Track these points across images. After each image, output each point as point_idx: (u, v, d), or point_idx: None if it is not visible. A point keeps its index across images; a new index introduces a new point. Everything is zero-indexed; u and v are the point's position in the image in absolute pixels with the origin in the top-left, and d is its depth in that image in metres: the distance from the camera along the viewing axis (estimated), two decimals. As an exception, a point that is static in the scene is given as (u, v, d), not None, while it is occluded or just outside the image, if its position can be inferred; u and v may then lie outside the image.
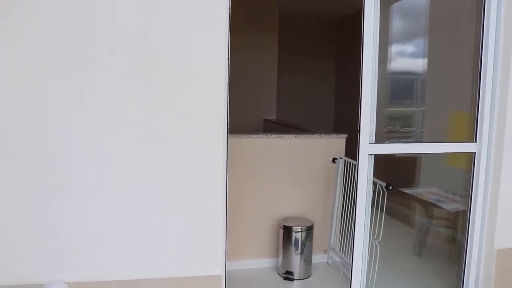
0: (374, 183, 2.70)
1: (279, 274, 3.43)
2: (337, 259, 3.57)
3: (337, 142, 3.67)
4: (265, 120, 5.92)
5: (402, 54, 3.49)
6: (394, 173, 3.49)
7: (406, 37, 3.48)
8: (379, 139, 2.65)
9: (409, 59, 3.54)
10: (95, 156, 2.05)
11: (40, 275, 2.05)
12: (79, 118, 2.01)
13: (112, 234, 2.12)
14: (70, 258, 2.09)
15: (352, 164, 3.29)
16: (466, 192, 2.86)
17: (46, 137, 2.00)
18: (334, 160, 3.59)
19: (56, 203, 2.04)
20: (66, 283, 2.04)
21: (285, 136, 3.52)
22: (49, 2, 1.92)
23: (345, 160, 3.49)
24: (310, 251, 3.43)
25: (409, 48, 3.55)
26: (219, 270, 2.24)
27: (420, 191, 3.65)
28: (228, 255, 2.40)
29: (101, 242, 2.11)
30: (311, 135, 3.66)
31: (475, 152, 2.76)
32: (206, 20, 2.09)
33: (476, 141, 2.75)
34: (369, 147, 2.57)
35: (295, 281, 3.37)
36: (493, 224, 2.71)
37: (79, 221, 2.07)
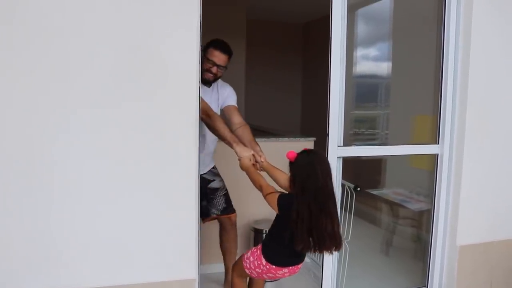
0: (343, 185, 2.77)
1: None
2: (308, 260, 3.63)
3: (305, 145, 3.71)
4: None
5: (367, 58, 3.58)
6: (361, 175, 3.58)
7: (371, 42, 3.58)
8: (346, 142, 2.72)
9: (374, 63, 3.65)
10: (65, 159, 2.01)
11: (1, 285, 1.99)
12: (54, 118, 1.99)
13: (81, 240, 2.07)
14: (34, 266, 2.03)
15: (321, 166, 3.34)
16: (430, 192, 2.97)
17: (16, 136, 1.95)
18: (302, 163, 3.65)
19: (16, 208, 1.98)
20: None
21: (255, 139, 3.54)
22: (28, 9, 1.90)
23: (313, 163, 3.54)
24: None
25: (374, 52, 3.65)
26: (193, 274, 2.25)
27: (386, 192, 3.75)
28: (201, 259, 2.41)
29: (69, 248, 2.06)
30: (280, 139, 3.70)
31: (438, 154, 2.88)
32: (179, 24, 2.11)
33: (438, 143, 2.87)
34: (337, 150, 2.64)
35: (266, 282, 3.40)
36: (455, 222, 2.83)
37: (44, 227, 2.02)
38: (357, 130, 3.52)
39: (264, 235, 3.39)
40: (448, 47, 2.77)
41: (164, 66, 2.09)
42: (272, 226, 2.26)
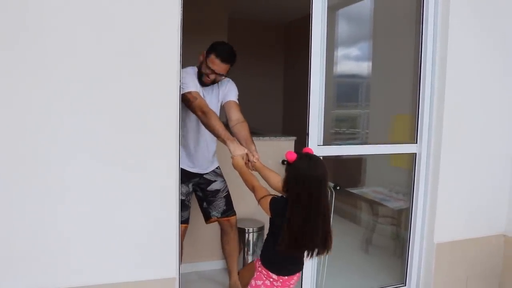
0: (323, 184, 2.78)
1: (232, 276, 3.46)
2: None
3: (286, 145, 3.75)
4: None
5: (347, 57, 3.62)
6: (341, 174, 3.62)
7: (351, 42, 3.62)
8: (326, 141, 2.74)
9: (354, 62, 3.68)
10: (46, 158, 1.98)
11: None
12: (38, 117, 1.96)
13: (61, 239, 2.05)
14: (14, 266, 1.99)
15: (302, 165, 3.36)
16: (408, 190, 3.02)
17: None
18: (283, 162, 3.67)
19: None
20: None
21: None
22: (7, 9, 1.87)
23: (294, 162, 3.56)
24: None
25: (355, 52, 3.69)
26: (173, 273, 2.24)
27: (366, 190, 3.79)
28: (187, 257, 2.40)
29: (48, 248, 2.03)
30: (261, 138, 3.71)
31: (416, 153, 2.93)
32: (160, 22, 2.10)
33: (417, 143, 2.91)
34: (317, 149, 2.65)
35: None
36: (432, 220, 2.88)
37: (25, 226, 1.99)
38: (338, 129, 3.55)
39: (246, 234, 3.40)
40: (426, 48, 2.82)
41: (146, 65, 2.08)
42: (268, 235, 2.13)
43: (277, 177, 2.16)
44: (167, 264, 2.23)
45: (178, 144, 2.20)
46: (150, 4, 2.06)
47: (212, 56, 2.67)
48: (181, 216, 2.71)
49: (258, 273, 2.14)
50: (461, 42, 2.77)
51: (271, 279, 2.08)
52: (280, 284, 2.09)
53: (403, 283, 3.05)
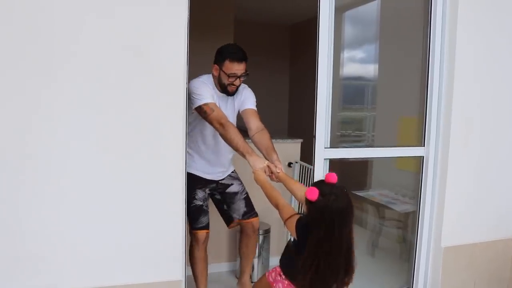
0: (329, 187, 2.76)
1: (237, 278, 3.45)
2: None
3: (293, 147, 3.74)
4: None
5: (354, 60, 3.60)
6: (347, 176, 3.60)
7: (358, 44, 3.60)
8: (333, 144, 2.72)
9: (361, 65, 3.66)
10: (51, 157, 1.98)
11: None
12: (40, 114, 1.96)
13: (67, 241, 2.05)
14: (17, 266, 2.00)
15: (308, 168, 3.35)
16: (415, 194, 3.00)
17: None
18: (290, 164, 3.66)
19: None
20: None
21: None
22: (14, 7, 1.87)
23: (300, 165, 3.56)
24: (268, 254, 3.48)
25: (361, 54, 3.67)
26: (180, 275, 2.24)
27: (372, 193, 3.77)
28: (187, 260, 2.40)
29: (54, 249, 2.04)
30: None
31: (423, 156, 2.91)
32: (168, 23, 2.10)
33: (424, 146, 2.90)
34: (324, 152, 2.64)
35: (253, 284, 3.40)
36: (440, 224, 2.86)
37: (28, 224, 1.99)
38: (344, 131, 3.53)
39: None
40: (434, 50, 2.80)
41: (152, 65, 2.08)
42: (292, 252, 2.02)
43: (303, 187, 2.03)
44: (173, 266, 2.23)
45: (185, 147, 2.20)
46: (157, 4, 2.06)
47: (227, 62, 2.60)
48: (200, 222, 2.72)
49: (279, 283, 2.04)
50: (470, 43, 2.75)
51: None
52: None
53: (409, 287, 3.03)
